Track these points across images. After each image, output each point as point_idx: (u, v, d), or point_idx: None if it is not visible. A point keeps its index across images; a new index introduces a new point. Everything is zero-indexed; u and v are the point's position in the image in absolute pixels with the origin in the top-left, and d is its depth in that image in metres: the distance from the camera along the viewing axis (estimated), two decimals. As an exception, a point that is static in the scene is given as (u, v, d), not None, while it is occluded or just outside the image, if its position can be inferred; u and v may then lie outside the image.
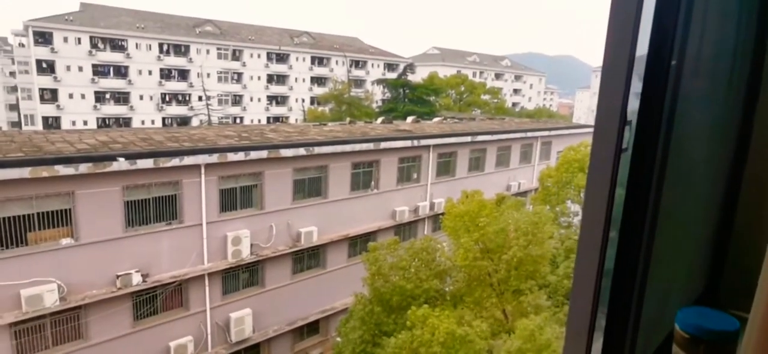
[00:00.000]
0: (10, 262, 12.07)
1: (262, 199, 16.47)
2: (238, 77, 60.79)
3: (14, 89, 57.73)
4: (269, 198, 16.56)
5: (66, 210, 12.71)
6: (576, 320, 1.16)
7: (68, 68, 50.35)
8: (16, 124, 56.25)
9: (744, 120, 1.45)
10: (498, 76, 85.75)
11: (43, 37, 49.22)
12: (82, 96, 51.57)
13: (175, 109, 57.54)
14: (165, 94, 56.80)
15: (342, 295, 18.60)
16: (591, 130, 1.16)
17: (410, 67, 55.81)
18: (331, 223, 18.48)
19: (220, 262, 15.70)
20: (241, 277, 16.88)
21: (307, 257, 18.62)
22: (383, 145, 19.68)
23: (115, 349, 14.03)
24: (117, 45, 53.23)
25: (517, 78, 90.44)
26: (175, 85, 57.13)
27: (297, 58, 64.77)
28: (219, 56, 59.16)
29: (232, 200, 15.87)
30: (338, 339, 15.51)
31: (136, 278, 13.83)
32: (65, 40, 49.95)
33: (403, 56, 75.66)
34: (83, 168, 12.45)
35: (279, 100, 64.66)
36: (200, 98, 56.77)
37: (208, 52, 58.15)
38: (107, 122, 53.04)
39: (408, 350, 11.51)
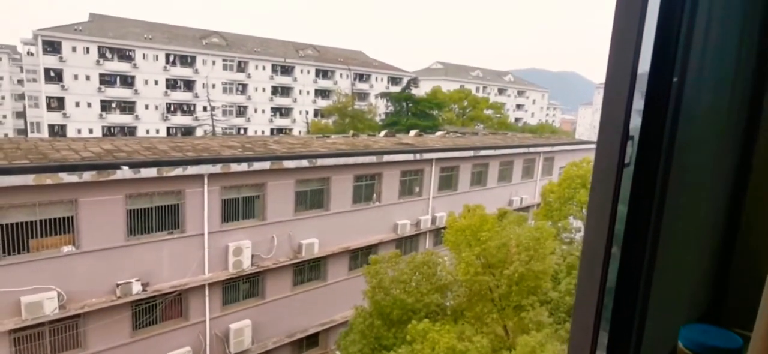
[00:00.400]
0: (12, 268, 12.08)
1: (264, 210, 16.47)
2: (243, 88, 61.24)
3: (22, 97, 58.32)
4: (271, 209, 16.56)
5: (68, 217, 12.74)
6: (578, 337, 1.16)
7: (76, 77, 50.88)
8: (23, 132, 56.71)
9: (746, 136, 1.44)
10: (501, 91, 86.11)
11: (52, 47, 49.84)
12: (89, 105, 52.03)
13: (180, 119, 57.93)
14: (170, 104, 57.24)
15: (342, 307, 18.48)
16: (594, 146, 1.17)
17: (414, 81, 56.15)
18: (333, 236, 18.45)
19: (221, 272, 15.66)
20: (242, 287, 16.81)
21: (308, 269, 18.55)
22: (386, 158, 19.71)
23: (113, 358, 13.94)
24: (124, 55, 53.83)
25: (520, 93, 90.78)
26: (180, 96, 57.60)
27: (301, 71, 65.28)
28: (224, 67, 59.70)
29: (235, 210, 15.88)
30: (338, 352, 15.38)
31: (136, 287, 13.80)
32: (74, 49, 50.56)
33: (406, 70, 76.14)
34: (87, 176, 12.50)
35: (283, 111, 65.04)
36: (205, 109, 57.17)
37: (213, 63, 58.70)
38: (112, 131, 53.41)
39: (408, 365, 11.39)
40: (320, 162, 17.39)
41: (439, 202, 22.50)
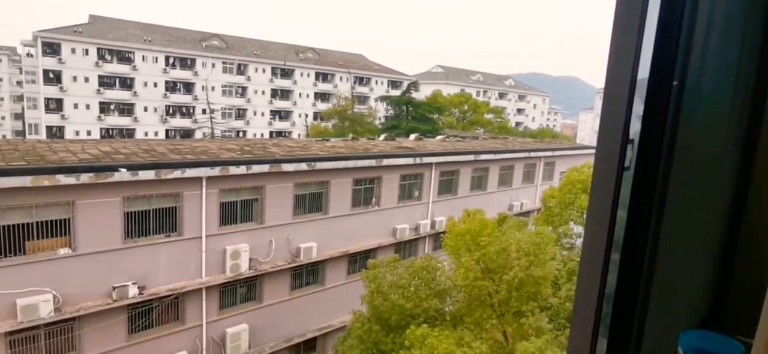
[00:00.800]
0: (8, 270, 11.98)
1: (262, 213, 16.39)
2: (243, 91, 61.27)
3: (20, 98, 58.31)
4: (269, 212, 16.48)
5: (65, 220, 12.65)
6: (577, 342, 1.15)
7: (75, 79, 50.87)
8: (21, 133, 56.66)
9: (747, 141, 1.43)
10: (502, 95, 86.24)
11: (52, 48, 49.85)
12: (87, 106, 52.01)
13: (179, 122, 57.92)
14: (169, 106, 57.25)
15: (340, 312, 18.37)
16: (594, 151, 1.16)
17: (414, 85, 56.15)
18: (331, 239, 18.36)
19: (218, 275, 15.56)
20: (239, 291, 16.71)
21: (306, 273, 18.46)
22: (385, 161, 19.65)
23: (109, 362, 13.83)
24: (124, 57, 53.86)
25: (521, 98, 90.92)
26: (179, 98, 57.61)
27: (301, 74, 65.35)
28: (224, 70, 59.75)
29: (233, 214, 15.79)
30: (336, 357, 15.26)
31: (133, 290, 13.69)
32: (73, 51, 50.58)
33: (407, 74, 76.24)
34: (85, 178, 12.42)
35: (282, 114, 65.06)
36: (204, 111, 57.15)
37: (213, 65, 58.74)
38: (111, 133, 53.36)
39: (406, 371, 11.29)
40: (319, 165, 17.32)
41: (438, 206, 22.43)
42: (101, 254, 13.27)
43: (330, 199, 18.19)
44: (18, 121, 62.14)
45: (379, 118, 58.73)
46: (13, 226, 11.95)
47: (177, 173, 13.91)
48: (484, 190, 25.05)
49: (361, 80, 70.32)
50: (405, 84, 63.90)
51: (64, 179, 12.09)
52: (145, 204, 13.90)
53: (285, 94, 64.73)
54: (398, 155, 20.52)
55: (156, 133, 55.22)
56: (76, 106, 51.46)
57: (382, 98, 58.51)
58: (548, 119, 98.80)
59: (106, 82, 52.90)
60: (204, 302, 15.48)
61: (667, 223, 1.15)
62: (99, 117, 52.89)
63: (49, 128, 50.69)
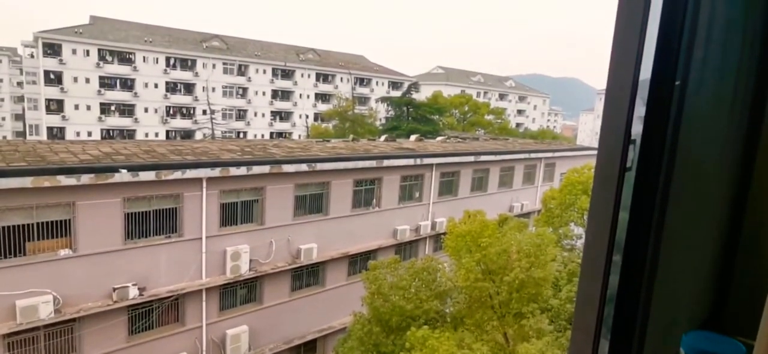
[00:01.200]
0: (8, 272, 11.97)
1: (262, 214, 16.37)
2: (243, 92, 61.29)
3: (21, 99, 58.37)
4: (270, 213, 16.47)
5: (66, 221, 12.64)
6: (579, 342, 1.16)
7: (75, 80, 50.91)
8: (21, 134, 56.71)
9: (749, 142, 1.43)
10: (502, 96, 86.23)
11: (53, 49, 49.89)
12: (88, 107, 52.03)
13: (180, 123, 57.94)
14: (170, 107, 57.27)
15: (340, 314, 18.35)
16: (595, 152, 1.15)
17: (414, 86, 56.13)
18: (332, 241, 18.34)
19: (219, 277, 15.54)
20: (239, 293, 16.69)
21: (306, 274, 18.43)
22: (386, 162, 19.63)
23: (109, 363, 13.81)
24: (124, 58, 53.90)
25: (521, 99, 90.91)
26: (180, 99, 57.63)
27: (302, 75, 65.37)
28: (225, 71, 59.77)
29: (233, 215, 15.78)
30: (336, 359, 15.23)
31: (133, 292, 13.68)
32: (74, 52, 50.62)
33: (407, 75, 76.26)
34: (85, 179, 12.42)
35: (283, 115, 65.07)
36: (205, 112, 57.16)
37: (214, 66, 58.77)
38: (111, 134, 53.39)
39: (407, 373, 11.26)
40: (320, 166, 17.31)
41: (439, 207, 22.41)
42: (101, 255, 13.25)
43: (330, 200, 18.18)
44: (19, 122, 62.20)
45: (380, 119, 58.73)
46: (14, 227, 11.94)
47: (177, 174, 13.90)
48: (485, 192, 25.03)
49: (361, 81, 70.34)
50: (405, 85, 63.90)
51: (64, 180, 12.09)
52: (146, 205, 13.89)
53: (285, 95, 64.75)
54: (399, 156, 20.50)
55: (156, 134, 55.25)
56: (76, 107, 51.49)
57: (383, 99, 58.52)
58: (548, 120, 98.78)
59: (106, 83, 52.93)
60: (204, 303, 15.47)
61: (669, 224, 1.15)
62: (100, 118, 52.93)
63: (49, 129, 50.72)
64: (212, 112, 56.59)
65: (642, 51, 1.02)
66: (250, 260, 16.01)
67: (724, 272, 1.49)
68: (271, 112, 63.86)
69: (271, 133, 61.83)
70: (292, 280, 17.94)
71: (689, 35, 1.10)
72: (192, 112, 58.64)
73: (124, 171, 12.97)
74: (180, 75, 57.01)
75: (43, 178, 11.78)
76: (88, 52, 51.28)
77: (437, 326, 12.91)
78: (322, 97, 67.08)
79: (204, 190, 14.66)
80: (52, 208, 12.42)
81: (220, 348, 16.00)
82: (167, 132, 56.94)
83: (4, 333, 12.03)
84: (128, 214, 13.58)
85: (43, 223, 12.30)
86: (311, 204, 17.89)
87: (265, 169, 15.87)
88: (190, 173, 14.18)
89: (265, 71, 62.47)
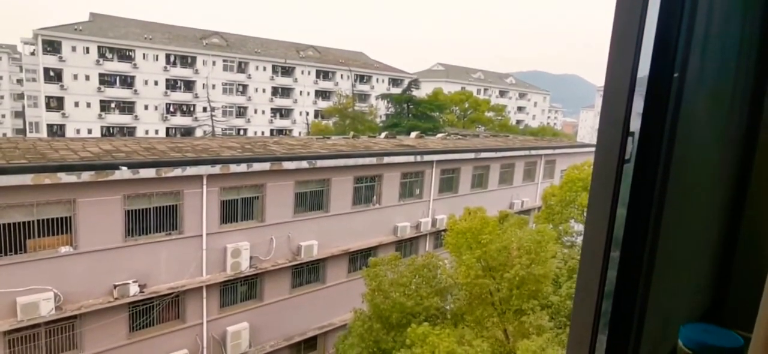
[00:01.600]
0: (8, 269, 11.98)
1: (263, 211, 16.38)
2: (243, 89, 61.22)
3: (21, 96, 58.32)
4: (270, 210, 16.47)
5: (66, 218, 12.65)
6: (577, 332, 1.16)
7: (75, 77, 50.85)
8: (21, 131, 56.68)
9: (748, 135, 1.43)
10: (502, 93, 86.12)
11: (52, 46, 49.82)
12: (88, 104, 51.99)
13: (180, 120, 57.90)
14: (170, 104, 57.21)
15: (341, 311, 18.37)
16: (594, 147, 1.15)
17: (415, 83, 56.12)
18: (332, 238, 18.35)
19: (219, 274, 15.56)
20: (240, 290, 16.71)
21: (307, 271, 18.45)
22: (386, 159, 19.62)
23: (110, 360, 13.84)
24: (124, 55, 53.82)
25: (522, 96, 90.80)
26: (180, 96, 57.57)
27: (302, 72, 65.27)
28: (225, 68, 59.69)
29: (233, 212, 15.78)
30: (336, 355, 15.25)
31: (134, 289, 13.69)
32: (74, 49, 50.54)
33: (407, 72, 76.15)
34: (86, 176, 12.41)
35: (283, 112, 65.02)
36: (205, 109, 57.12)
37: (214, 63, 58.69)
38: (111, 131, 53.36)
39: (407, 369, 11.28)
40: (320, 163, 17.30)
41: (439, 204, 22.41)
42: (102, 252, 13.27)
43: (331, 197, 18.18)
44: (18, 119, 62.17)
45: (380, 116, 58.65)
46: (14, 224, 11.94)
47: (177, 171, 13.90)
48: (485, 189, 25.02)
49: (361, 78, 70.24)
50: (406, 82, 63.84)
51: (65, 177, 12.08)
52: (146, 202, 13.89)
53: (286, 92, 64.67)
54: (399, 153, 20.49)
55: (156, 132, 55.22)
56: (76, 104, 51.45)
57: (383, 96, 58.46)
58: (549, 117, 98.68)
59: (106, 80, 52.88)
60: (204, 300, 15.49)
61: (668, 217, 1.16)
62: (100, 115, 52.89)
63: (49, 126, 50.70)
64: (212, 109, 56.55)
65: (641, 43, 1.02)
66: (251, 257, 16.02)
67: (723, 266, 1.49)
68: (271, 109, 63.82)
69: (272, 131, 61.79)
70: (293, 277, 17.95)
71: (688, 28, 1.10)
72: (192, 109, 58.60)
73: (124, 168, 12.96)
74: (180, 72, 56.93)
75: (43, 176, 11.78)
76: (87, 49, 51.22)
77: (438, 323, 12.93)
78: (322, 94, 67.00)
79: (204, 187, 14.65)
80: (53, 206, 12.42)
81: (221, 345, 16.03)
82: (167, 129, 56.91)
83: (5, 330, 12.05)
84: (129, 211, 13.58)
85: (43, 220, 12.31)
86: (312, 201, 17.89)
87: (266, 166, 15.86)
88: (191, 170, 14.17)
89: (265, 68, 62.39)
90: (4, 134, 55.54)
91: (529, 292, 12.81)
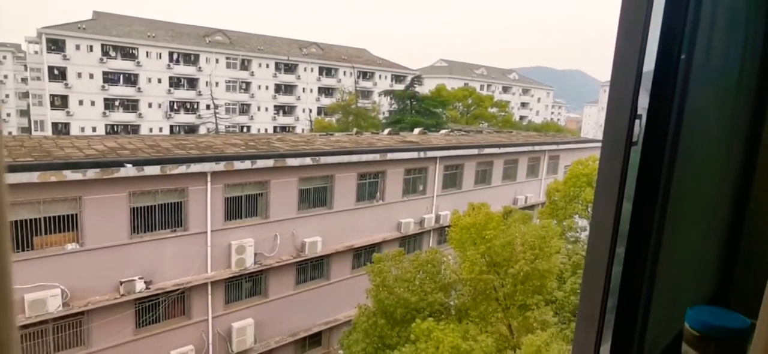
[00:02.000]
0: (16, 266, 12.00)
1: (267, 208, 16.43)
2: (247, 87, 61.26)
3: (26, 95, 58.60)
4: (274, 207, 16.52)
5: (73, 215, 12.73)
6: (586, 311, 1.18)
7: (79, 75, 51.01)
8: (26, 130, 56.98)
9: (755, 118, 1.41)
10: (505, 89, 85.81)
11: (56, 45, 49.98)
12: (92, 103, 52.17)
13: (183, 118, 58.02)
14: (173, 102, 57.33)
15: (345, 306, 18.43)
16: (599, 144, 1.18)
17: (418, 79, 55.93)
18: (336, 234, 18.39)
19: (224, 270, 15.63)
20: (244, 286, 16.79)
21: (311, 268, 18.51)
22: (389, 156, 19.63)
23: (116, 356, 13.95)
24: (128, 53, 53.92)
25: (525, 91, 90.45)
26: (183, 94, 57.67)
27: (305, 69, 65.24)
28: (228, 65, 59.73)
29: (238, 208, 15.84)
30: (341, 352, 15.33)
31: (140, 285, 13.79)
32: (77, 47, 50.69)
33: (410, 68, 75.98)
34: (91, 173, 12.49)
35: (286, 109, 65.04)
36: (208, 107, 57.22)
37: (217, 61, 58.74)
38: (116, 129, 53.56)
39: (412, 364, 11.32)
40: (324, 160, 17.33)
41: (443, 200, 22.41)
42: (108, 249, 13.36)
43: (334, 193, 18.21)
44: (24, 117, 62.48)
45: (383, 113, 58.59)
46: (21, 221, 12.04)
47: (182, 168, 13.96)
48: (489, 184, 24.99)
49: (364, 75, 70.15)
50: (409, 78, 63.67)
51: (70, 175, 12.16)
52: (151, 199, 13.97)
53: (289, 89, 64.68)
54: (402, 150, 20.49)
55: (160, 129, 55.36)
56: (81, 102, 51.64)
57: (386, 93, 58.36)
58: (552, 113, 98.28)
59: (110, 78, 53.03)
60: (210, 297, 15.57)
61: (675, 199, 1.16)
62: (104, 113, 53.07)
63: (54, 125, 50.93)
64: (216, 106, 56.64)
65: (649, 23, 1.02)
66: (255, 254, 16.09)
67: (730, 251, 1.49)
68: (275, 106, 63.84)
69: (275, 128, 61.85)
70: (297, 274, 18.02)
71: (695, 7, 1.10)
72: (195, 107, 58.71)
73: (129, 166, 13.04)
74: (183, 70, 57.02)
75: (49, 173, 11.86)
76: (91, 47, 51.36)
77: (442, 318, 12.96)
78: (326, 91, 66.96)
79: (208, 184, 14.71)
80: (59, 203, 12.51)
81: (226, 341, 16.12)
82: (171, 127, 57.04)
83: (14, 326, 12.15)
84: (134, 208, 13.66)
85: (50, 217, 12.40)
86: (315, 197, 17.93)
87: (269, 162, 15.90)
88: (195, 167, 14.23)
89: (268, 66, 62.38)
90: (10, 133, 55.86)
91: (534, 287, 12.82)
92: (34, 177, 11.65)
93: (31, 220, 12.16)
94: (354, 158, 18.34)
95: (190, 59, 57.55)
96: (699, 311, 1.11)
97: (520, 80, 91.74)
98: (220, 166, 14.76)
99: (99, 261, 13.24)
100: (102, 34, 52.15)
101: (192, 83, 58.12)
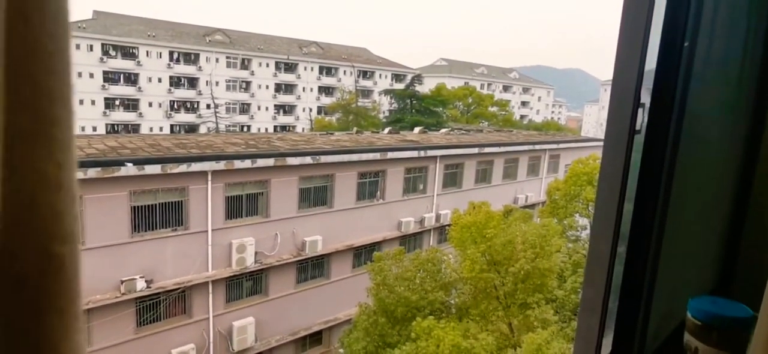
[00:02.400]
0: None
1: (267, 206, 16.44)
2: (247, 86, 61.28)
3: (26, 94, 58.58)
4: (275, 206, 16.52)
5: (73, 214, 12.72)
6: (589, 298, 1.18)
7: (80, 74, 51.00)
8: (28, 129, 56.92)
9: (756, 111, 1.42)
10: (506, 88, 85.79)
11: (56, 44, 49.91)
12: (92, 102, 52.19)
13: (184, 117, 58.04)
14: (174, 101, 57.35)
15: (346, 305, 18.45)
16: (600, 143, 1.16)
17: (418, 78, 55.90)
18: (336, 233, 18.40)
19: (224, 269, 15.65)
20: (245, 285, 16.80)
21: (312, 266, 18.52)
22: (390, 155, 19.63)
23: (117, 355, 13.97)
24: (128, 52, 53.94)
25: (526, 90, 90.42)
26: (184, 93, 57.69)
27: (305, 68, 65.24)
28: (228, 65, 59.73)
29: (238, 207, 15.85)
30: (341, 350, 15.34)
31: (141, 284, 13.80)
32: (77, 46, 50.65)
33: (410, 67, 75.97)
34: (91, 173, 12.50)
35: (286, 109, 65.05)
36: (208, 106, 57.24)
37: (217, 60, 58.75)
38: (116, 128, 53.59)
39: (412, 363, 11.33)
40: (324, 159, 17.33)
41: (443, 199, 22.41)
42: (109, 248, 13.37)
43: (335, 192, 18.22)
44: (24, 117, 62.43)
45: (383, 112, 58.60)
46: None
47: (183, 167, 13.96)
48: (489, 183, 25.00)
49: (364, 74, 70.15)
50: (409, 77, 63.63)
51: (71, 174, 12.15)
52: (152, 198, 13.97)
53: (289, 88, 64.68)
54: (403, 149, 20.49)
55: (161, 129, 55.38)
56: (81, 101, 51.63)
57: (386, 92, 58.35)
58: (553, 112, 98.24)
59: (110, 77, 53.05)
60: (210, 296, 15.59)
61: (677, 189, 1.16)
62: (104, 112, 53.09)
63: (55, 124, 50.88)
64: (216, 106, 56.65)
65: (652, 12, 1.03)
66: (256, 253, 16.10)
67: (731, 242, 1.49)
68: (275, 105, 63.84)
69: (275, 127, 61.86)
70: (298, 272, 18.03)
71: (696, 6, 1.10)
72: (196, 106, 58.72)
73: (130, 165, 13.04)
74: (183, 69, 57.03)
75: (50, 172, 11.85)
76: (91, 47, 51.38)
77: (442, 317, 12.97)
78: (326, 90, 66.95)
79: (209, 183, 14.72)
80: (60, 202, 12.49)
81: (227, 339, 16.13)
82: (171, 126, 57.07)
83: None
84: (135, 207, 13.67)
85: (50, 216, 12.39)
86: (316, 196, 17.93)
87: (270, 162, 15.91)
88: (196, 166, 14.24)
89: (268, 65, 62.38)
90: (10, 132, 55.78)
91: (534, 285, 12.82)
92: (34, 176, 11.64)
93: (31, 218, 12.15)
94: (354, 157, 18.35)
95: (191, 58, 57.56)
96: (701, 301, 1.12)
97: (521, 79, 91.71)
98: (221, 165, 14.77)
99: (99, 260, 13.25)
100: (102, 34, 52.16)
101: (192, 82, 58.13)
